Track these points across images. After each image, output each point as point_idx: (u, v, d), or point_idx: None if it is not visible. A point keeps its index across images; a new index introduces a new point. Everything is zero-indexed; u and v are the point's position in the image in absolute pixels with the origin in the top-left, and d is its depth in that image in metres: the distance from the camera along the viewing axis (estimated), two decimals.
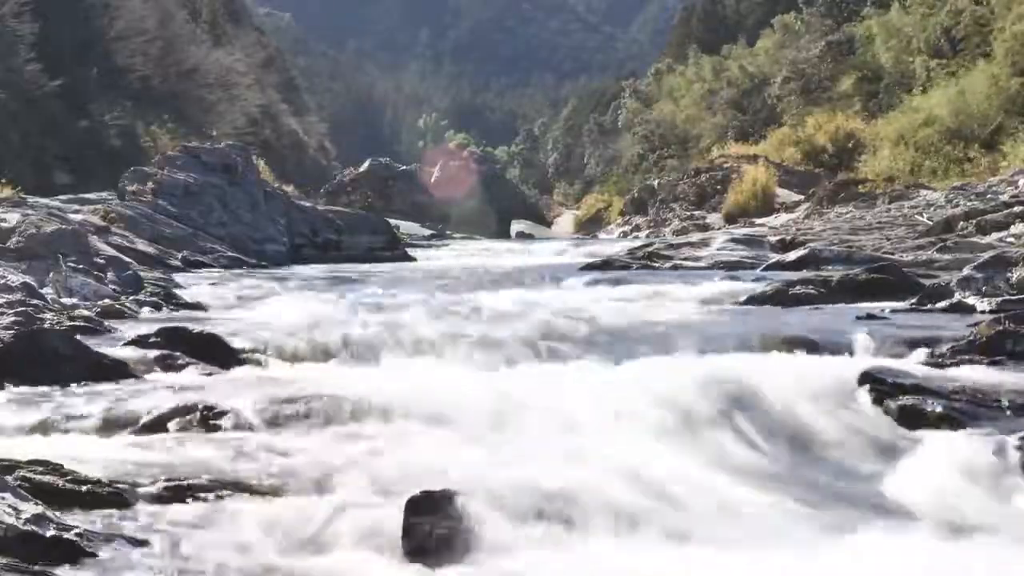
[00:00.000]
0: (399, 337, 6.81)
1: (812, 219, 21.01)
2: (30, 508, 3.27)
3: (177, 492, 3.79)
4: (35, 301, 7.98)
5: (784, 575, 3.29)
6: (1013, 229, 13.04)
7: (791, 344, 6.21)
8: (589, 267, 14.22)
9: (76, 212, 15.86)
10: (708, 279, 11.12)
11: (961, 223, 14.12)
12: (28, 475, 3.65)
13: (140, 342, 6.38)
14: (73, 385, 5.37)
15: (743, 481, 4.17)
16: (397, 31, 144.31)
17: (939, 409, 4.70)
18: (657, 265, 14.02)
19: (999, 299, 7.40)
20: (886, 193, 22.10)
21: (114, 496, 3.70)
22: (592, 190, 54.97)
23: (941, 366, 5.41)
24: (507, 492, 3.71)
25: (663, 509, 3.72)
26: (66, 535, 3.19)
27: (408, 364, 6.19)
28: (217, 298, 10.18)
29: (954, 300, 7.71)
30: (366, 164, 40.94)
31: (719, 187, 30.53)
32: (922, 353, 5.72)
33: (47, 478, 3.68)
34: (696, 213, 29.56)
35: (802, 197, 26.43)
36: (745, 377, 5.11)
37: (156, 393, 5.24)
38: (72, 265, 9.93)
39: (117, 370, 5.74)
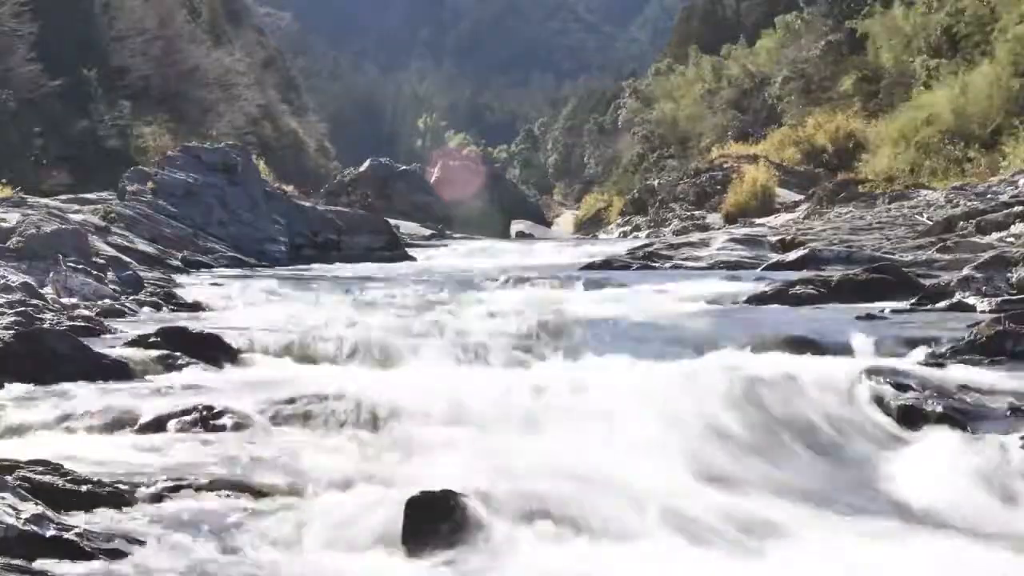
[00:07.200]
0: (398, 337, 6.81)
1: (812, 219, 20.99)
2: (30, 508, 3.26)
3: (177, 492, 3.79)
4: (35, 301, 7.98)
5: (784, 574, 3.29)
6: (1013, 229, 13.03)
7: (791, 344, 6.21)
8: (589, 267, 14.22)
9: (76, 212, 15.87)
10: (708, 279, 11.13)
11: (961, 223, 14.12)
12: (28, 475, 3.65)
13: (140, 342, 6.39)
14: (73, 385, 5.36)
15: (743, 480, 4.17)
16: (397, 31, 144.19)
17: (939, 409, 4.70)
18: (657, 265, 14.04)
19: (999, 299, 7.41)
20: (886, 193, 22.08)
21: (114, 496, 3.70)
22: (592, 190, 54.89)
23: (941, 366, 5.41)
24: (507, 492, 3.71)
25: (663, 508, 3.72)
26: (66, 535, 3.19)
27: (407, 364, 6.20)
28: (217, 298, 10.18)
29: (954, 300, 7.71)
30: (366, 164, 40.86)
31: (719, 187, 30.50)
32: (922, 353, 5.73)
33: (47, 478, 3.68)
34: (696, 213, 29.51)
35: (802, 197, 26.41)
36: (745, 377, 5.11)
37: (156, 393, 5.24)
38: (72, 265, 9.93)
39: (117, 370, 5.74)
